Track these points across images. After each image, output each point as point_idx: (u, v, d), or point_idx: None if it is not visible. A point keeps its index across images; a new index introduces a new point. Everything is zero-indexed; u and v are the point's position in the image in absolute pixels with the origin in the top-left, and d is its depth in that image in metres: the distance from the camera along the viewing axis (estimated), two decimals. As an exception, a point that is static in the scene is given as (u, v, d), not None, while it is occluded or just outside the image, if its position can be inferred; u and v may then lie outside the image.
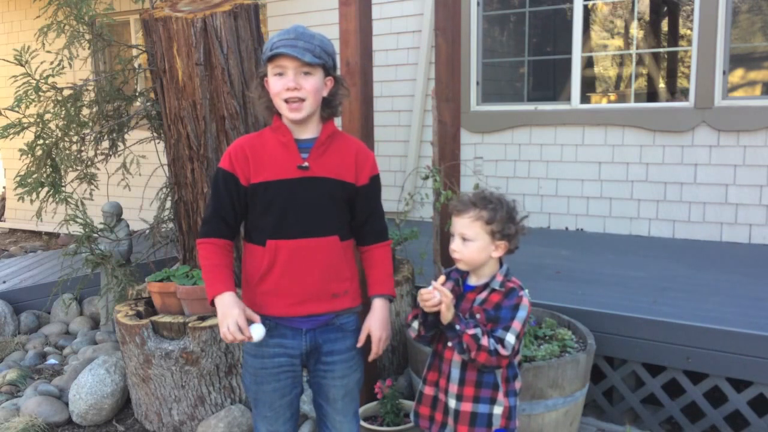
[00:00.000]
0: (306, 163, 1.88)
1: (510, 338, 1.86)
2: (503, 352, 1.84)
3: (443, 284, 2.07)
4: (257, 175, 1.87)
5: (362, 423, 2.69)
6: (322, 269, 1.91)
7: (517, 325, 1.88)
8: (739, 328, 2.84)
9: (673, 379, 3.00)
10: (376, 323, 2.00)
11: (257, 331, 1.85)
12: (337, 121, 2.10)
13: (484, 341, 1.84)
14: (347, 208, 1.97)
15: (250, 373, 2.00)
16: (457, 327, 1.85)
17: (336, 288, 1.94)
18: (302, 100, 1.83)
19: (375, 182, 2.01)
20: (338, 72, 1.98)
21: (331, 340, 1.98)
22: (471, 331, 1.84)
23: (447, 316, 1.86)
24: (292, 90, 1.81)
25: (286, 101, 1.83)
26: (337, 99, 1.94)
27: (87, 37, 3.87)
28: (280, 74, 1.82)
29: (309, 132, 1.92)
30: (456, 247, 1.95)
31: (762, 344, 2.76)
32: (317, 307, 1.93)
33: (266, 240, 1.89)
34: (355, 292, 2.00)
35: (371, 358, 2.04)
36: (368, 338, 2.02)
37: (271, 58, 1.82)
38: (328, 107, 1.93)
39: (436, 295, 1.85)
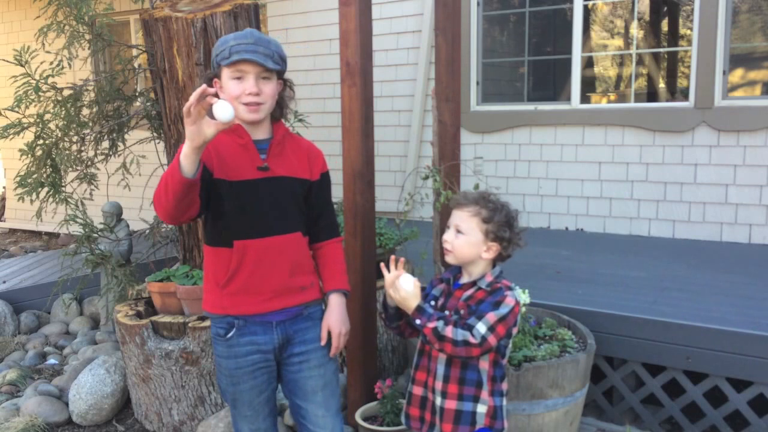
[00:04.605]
0: (265, 164, 1.92)
1: (480, 327, 1.81)
2: (472, 340, 1.80)
3: (436, 285, 2.07)
4: (220, 171, 1.87)
5: (362, 423, 2.69)
6: (290, 265, 1.95)
7: (491, 317, 1.83)
8: (739, 328, 2.84)
9: (673, 379, 3.00)
10: (335, 319, 2.04)
11: (222, 106, 1.62)
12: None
13: (448, 332, 1.81)
14: (305, 205, 2.01)
15: (225, 375, 2.01)
16: (417, 322, 1.86)
17: (303, 281, 2.00)
18: (260, 103, 1.88)
19: (326, 179, 2.08)
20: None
21: (302, 330, 2.01)
22: (431, 325, 1.83)
23: (404, 306, 1.89)
24: (254, 95, 1.86)
25: (245, 104, 1.87)
26: (284, 101, 2.00)
27: (87, 37, 3.87)
28: (239, 78, 1.86)
29: (262, 133, 1.96)
30: (448, 238, 1.96)
31: (762, 344, 2.76)
32: (288, 301, 1.97)
33: (233, 241, 1.90)
34: (317, 284, 2.06)
35: (333, 353, 2.07)
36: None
37: (232, 63, 1.84)
38: (278, 108, 1.98)
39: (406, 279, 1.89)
